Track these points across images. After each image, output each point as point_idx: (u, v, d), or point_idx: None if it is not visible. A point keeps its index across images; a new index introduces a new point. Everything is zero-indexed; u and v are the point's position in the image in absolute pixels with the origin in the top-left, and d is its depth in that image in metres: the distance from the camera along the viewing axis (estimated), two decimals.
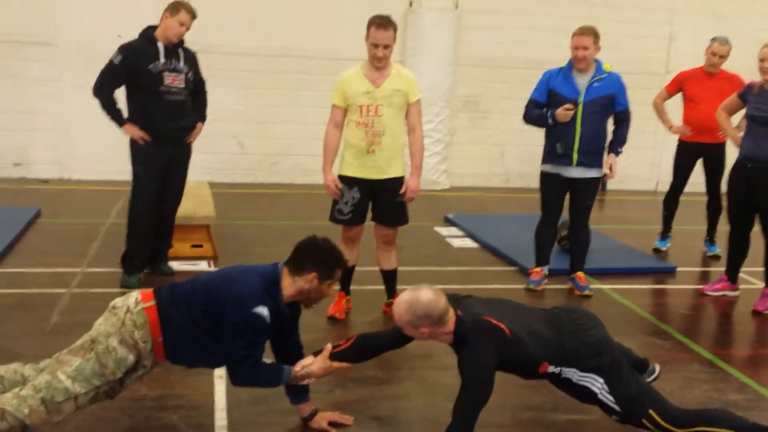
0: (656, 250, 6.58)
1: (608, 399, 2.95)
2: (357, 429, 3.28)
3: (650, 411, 2.93)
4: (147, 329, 2.90)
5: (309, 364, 3.10)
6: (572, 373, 2.97)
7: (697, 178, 6.48)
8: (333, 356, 3.12)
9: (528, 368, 3.00)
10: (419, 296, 2.87)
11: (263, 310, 2.90)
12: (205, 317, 2.94)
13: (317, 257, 3.03)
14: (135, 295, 3.01)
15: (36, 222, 6.48)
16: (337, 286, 4.43)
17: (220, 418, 3.30)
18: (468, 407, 2.80)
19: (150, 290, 3.04)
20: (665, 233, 6.64)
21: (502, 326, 2.86)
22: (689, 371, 4.12)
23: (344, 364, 3.14)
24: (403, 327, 2.96)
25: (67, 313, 4.46)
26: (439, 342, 3.02)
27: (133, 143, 4.95)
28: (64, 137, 8.37)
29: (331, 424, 3.27)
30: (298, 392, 3.25)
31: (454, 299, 3.02)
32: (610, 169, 5.24)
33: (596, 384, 2.95)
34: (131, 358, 2.89)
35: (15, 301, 4.62)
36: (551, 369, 2.97)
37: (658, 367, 3.60)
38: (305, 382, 3.12)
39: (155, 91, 4.84)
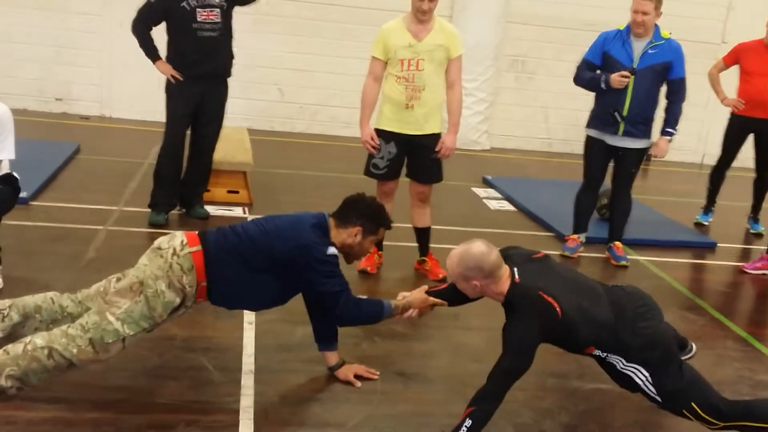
0: (698, 224, 6.44)
1: (650, 391, 2.88)
2: (382, 383, 3.28)
3: (692, 404, 2.86)
4: (194, 274, 2.92)
5: (408, 295, 3.15)
6: (617, 360, 2.90)
7: (747, 154, 6.29)
8: (433, 294, 3.16)
9: (573, 348, 2.94)
10: (471, 248, 2.84)
11: (334, 250, 3.01)
12: (267, 269, 2.99)
13: (364, 212, 3.10)
14: (180, 237, 3.00)
15: (75, 158, 6.54)
16: None
17: (248, 363, 3.32)
18: (504, 376, 2.76)
19: (195, 233, 3.03)
20: (708, 207, 6.48)
21: (555, 306, 2.76)
22: (722, 348, 4.04)
23: (440, 301, 3.16)
24: (455, 280, 2.93)
25: (102, 249, 4.51)
26: (489, 298, 2.96)
27: (168, 81, 4.99)
28: (106, 75, 8.40)
29: (357, 377, 3.28)
30: (327, 338, 3.28)
31: (523, 259, 2.94)
32: (658, 149, 5.09)
33: (640, 375, 2.88)
34: (177, 300, 2.91)
35: (51, 234, 4.68)
36: (597, 353, 2.91)
37: (694, 347, 3.53)
38: (406, 315, 3.15)
39: (188, 28, 4.83)
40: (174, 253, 2.92)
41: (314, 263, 2.96)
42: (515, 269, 2.88)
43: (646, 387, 2.89)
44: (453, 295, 3.16)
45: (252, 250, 2.98)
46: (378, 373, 3.33)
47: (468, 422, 2.71)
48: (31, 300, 2.96)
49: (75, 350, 2.74)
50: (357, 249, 3.12)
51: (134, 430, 2.75)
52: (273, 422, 2.91)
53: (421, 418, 3.04)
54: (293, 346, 3.46)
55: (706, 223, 6.45)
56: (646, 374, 2.88)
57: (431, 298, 3.15)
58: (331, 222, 3.10)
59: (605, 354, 2.90)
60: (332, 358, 3.30)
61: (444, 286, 3.23)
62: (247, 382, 3.16)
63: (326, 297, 3.03)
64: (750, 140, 6.17)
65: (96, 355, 2.78)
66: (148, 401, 2.95)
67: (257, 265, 2.98)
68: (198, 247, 2.95)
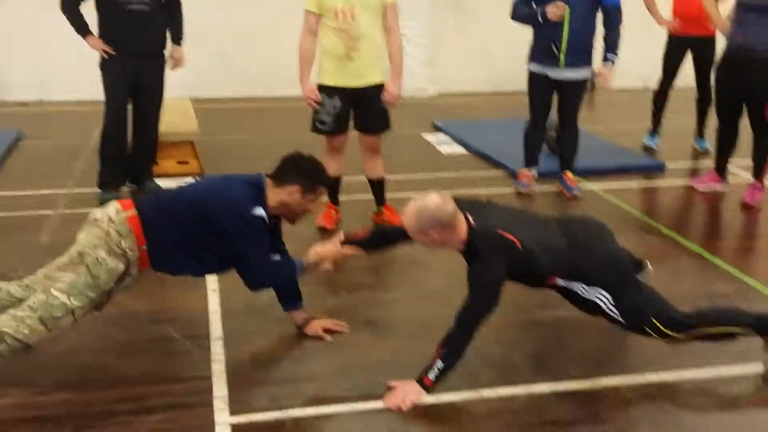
0: (646, 148, 6.56)
1: (613, 312, 2.96)
2: (351, 334, 3.32)
3: (652, 319, 2.94)
4: (132, 237, 2.90)
5: (320, 249, 3.13)
6: (579, 287, 2.97)
7: (689, 72, 6.38)
8: (348, 243, 3.15)
9: (536, 280, 3.00)
10: (426, 202, 2.84)
11: (260, 211, 2.93)
12: (195, 226, 2.94)
13: (300, 170, 3.04)
14: (114, 204, 2.99)
15: (17, 145, 6.38)
16: (325, 198, 4.44)
17: (215, 329, 3.33)
18: (472, 317, 2.81)
19: (128, 200, 3.03)
20: (654, 130, 6.59)
21: (515, 241, 2.82)
22: (678, 265, 4.17)
23: (353, 252, 3.16)
24: (413, 235, 2.92)
25: (55, 233, 4.43)
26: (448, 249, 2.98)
27: (102, 58, 4.90)
28: (40, 58, 8.15)
29: (326, 331, 3.30)
30: (290, 299, 3.29)
31: (470, 205, 2.98)
32: (603, 78, 5.13)
33: (602, 298, 2.96)
34: (121, 266, 2.89)
35: (3, 224, 4.59)
36: (559, 282, 2.97)
37: (650, 266, 3.62)
38: (321, 269, 3.15)
39: (116, 3, 4.74)
40: (110, 220, 2.91)
41: (237, 221, 2.90)
42: (467, 214, 2.91)
43: (609, 309, 2.97)
44: (373, 242, 3.20)
45: (183, 208, 2.95)
46: (346, 324, 3.36)
47: (439, 364, 2.77)
48: None
49: (27, 330, 2.72)
50: (296, 208, 3.05)
51: (107, 405, 2.75)
52: (246, 383, 2.94)
53: (393, 362, 3.09)
54: (259, 308, 3.47)
55: (653, 146, 6.57)
56: (608, 296, 2.96)
57: (345, 250, 3.15)
58: (269, 182, 3.03)
59: (566, 282, 2.97)
60: (299, 316, 3.32)
61: (362, 234, 3.23)
62: (217, 348, 3.17)
63: (239, 260, 2.99)
64: (689, 60, 6.27)
65: (49, 332, 2.77)
66: (118, 376, 2.95)
67: (189, 225, 2.94)
68: (133, 211, 2.93)
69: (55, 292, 2.80)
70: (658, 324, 2.94)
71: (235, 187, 2.97)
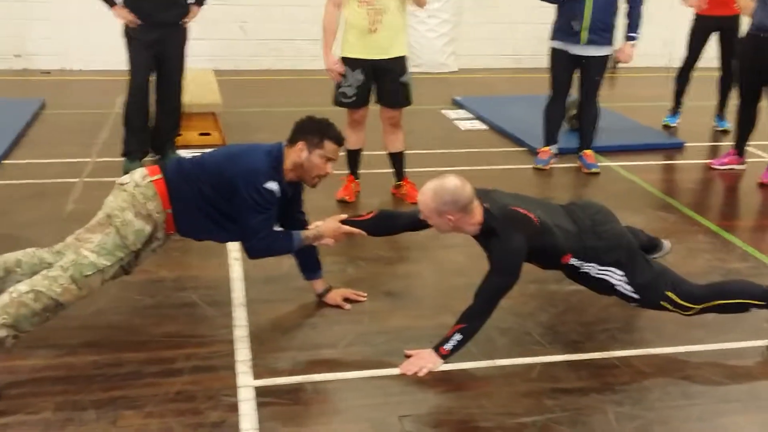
0: (666, 126, 6.55)
1: (626, 289, 3.00)
2: (370, 304, 3.39)
3: (667, 293, 2.98)
4: (158, 200, 2.98)
5: (321, 226, 3.18)
6: (591, 268, 3.00)
7: (711, 53, 6.35)
8: (349, 223, 3.19)
9: (552, 258, 3.01)
10: (445, 183, 2.85)
11: (273, 185, 2.99)
12: (215, 193, 3.01)
13: (306, 128, 3.08)
14: (140, 170, 3.08)
15: (41, 114, 6.47)
16: (340, 169, 4.48)
17: (238, 296, 3.41)
18: (493, 293, 2.86)
19: (155, 165, 3.11)
20: (675, 109, 6.58)
21: (531, 215, 2.86)
22: (694, 242, 4.20)
23: (355, 230, 3.18)
24: (428, 216, 2.92)
25: (80, 201, 4.53)
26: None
27: (126, 27, 4.94)
28: (63, 27, 8.22)
29: (346, 300, 3.38)
30: (311, 268, 3.36)
31: (479, 192, 2.99)
32: (624, 56, 5.15)
33: (615, 276, 2.99)
34: (148, 228, 2.97)
35: (29, 191, 4.68)
36: (573, 261, 2.98)
37: (668, 244, 3.66)
38: (318, 243, 3.20)
39: None
40: (136, 185, 2.99)
41: (249, 190, 2.95)
42: (481, 199, 2.93)
43: (622, 287, 3.01)
44: (376, 225, 3.21)
45: (204, 174, 3.02)
46: (365, 294, 3.43)
47: (458, 336, 2.83)
48: (11, 255, 3.01)
49: (59, 289, 2.81)
50: (307, 165, 3.05)
51: (135, 366, 2.85)
52: (268, 348, 3.02)
53: (411, 331, 3.16)
54: (281, 276, 3.54)
55: (674, 125, 6.56)
56: (621, 273, 2.99)
57: (344, 227, 3.17)
58: (285, 149, 3.08)
59: (580, 262, 3.00)
60: (319, 284, 3.39)
61: (368, 216, 3.23)
62: (240, 314, 3.26)
63: (242, 228, 3.05)
64: (714, 39, 6.23)
65: (79, 291, 2.85)
66: (145, 339, 3.04)
67: (210, 191, 3.01)
68: (158, 176, 3.01)
69: (84, 252, 2.89)
70: (674, 296, 2.98)
71: (253, 156, 3.03)
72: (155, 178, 3.01)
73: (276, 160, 3.04)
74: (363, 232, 3.20)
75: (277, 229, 3.15)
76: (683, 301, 2.99)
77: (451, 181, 2.85)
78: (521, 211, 2.88)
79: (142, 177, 3.02)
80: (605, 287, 3.05)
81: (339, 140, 3.12)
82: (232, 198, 2.99)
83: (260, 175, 2.96)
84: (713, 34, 6.21)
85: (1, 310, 2.70)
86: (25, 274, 2.95)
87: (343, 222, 3.19)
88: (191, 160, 3.12)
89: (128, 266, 3.02)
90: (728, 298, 3.02)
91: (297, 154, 3.05)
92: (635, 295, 3.02)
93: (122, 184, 3.04)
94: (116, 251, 2.92)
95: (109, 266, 2.91)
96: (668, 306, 3.01)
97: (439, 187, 2.86)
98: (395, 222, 3.28)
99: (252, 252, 3.13)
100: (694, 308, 3.01)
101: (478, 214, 2.89)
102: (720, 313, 3.09)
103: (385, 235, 3.37)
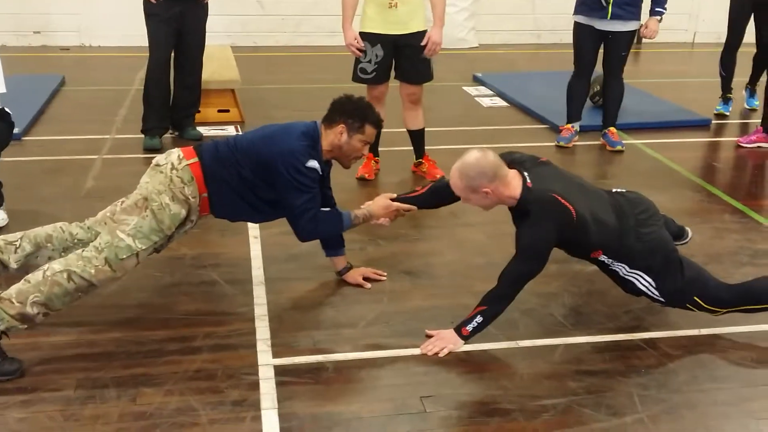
0: (719, 115, 6.14)
1: (654, 294, 2.95)
2: (390, 283, 3.36)
3: (695, 298, 2.93)
4: (195, 185, 2.97)
5: (374, 208, 3.17)
6: (621, 267, 2.94)
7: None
8: (398, 200, 3.18)
9: (582, 251, 2.97)
10: (466, 159, 2.82)
11: (314, 163, 2.98)
12: (254, 176, 3.00)
13: (346, 109, 3.06)
14: (176, 152, 3.04)
15: (61, 90, 6.47)
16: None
17: (257, 275, 3.39)
18: (517, 278, 2.81)
19: (190, 147, 3.07)
20: (726, 96, 6.15)
21: (571, 208, 2.76)
22: (720, 222, 4.12)
23: (406, 206, 3.18)
24: (467, 198, 2.89)
25: (100, 177, 4.53)
26: (502, 205, 2.93)
27: (145, 3, 4.90)
28: (83, 3, 8.20)
29: (366, 279, 3.35)
30: (333, 244, 3.33)
31: (526, 162, 2.92)
32: (649, 31, 5.03)
33: (643, 281, 2.94)
34: (183, 212, 2.96)
35: (48, 167, 4.69)
36: (603, 258, 2.93)
37: (690, 232, 3.57)
38: (377, 223, 3.21)
39: None
40: (173, 168, 2.97)
41: (291, 171, 2.94)
42: (525, 174, 2.85)
43: (650, 291, 2.96)
44: (425, 199, 3.20)
45: (242, 156, 3.00)
46: (386, 273, 3.40)
47: (479, 318, 2.80)
48: (41, 230, 3.00)
49: (93, 270, 2.80)
50: (346, 148, 3.06)
51: (156, 344, 2.84)
52: (288, 327, 3.00)
53: (431, 311, 3.13)
54: (300, 255, 3.52)
55: (728, 113, 6.15)
56: (649, 279, 2.93)
57: (395, 204, 3.17)
58: (321, 128, 3.08)
59: (610, 260, 2.94)
60: (340, 262, 3.36)
61: (421, 190, 3.23)
62: (260, 293, 3.24)
63: (290, 210, 3.03)
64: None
65: (113, 273, 2.85)
66: (165, 317, 3.04)
67: (247, 173, 3.00)
68: (195, 159, 2.99)
69: (120, 234, 2.87)
70: (702, 302, 2.94)
71: (290, 136, 3.00)
72: (192, 161, 2.98)
73: (312, 139, 3.03)
74: (415, 207, 3.20)
75: (324, 209, 3.12)
76: (710, 306, 2.95)
77: (472, 155, 2.83)
78: (563, 201, 2.77)
79: (179, 160, 2.99)
80: (632, 288, 2.99)
81: (379, 124, 3.12)
82: (274, 181, 2.98)
83: (299, 155, 2.95)
84: (751, 10, 5.96)
85: (33, 288, 2.70)
86: (56, 250, 2.95)
87: (394, 199, 3.17)
88: (226, 143, 3.07)
89: (160, 248, 3.01)
90: (755, 303, 2.96)
91: (336, 137, 3.04)
92: (661, 299, 2.98)
93: (158, 165, 3.01)
94: (152, 235, 2.91)
95: (144, 249, 2.90)
96: (694, 309, 2.97)
97: (461, 165, 2.83)
98: (447, 191, 3.11)
99: (303, 234, 3.11)
100: (719, 311, 2.97)
101: (515, 186, 2.83)
102: (745, 313, 3.02)
103: (436, 206, 3.33)
